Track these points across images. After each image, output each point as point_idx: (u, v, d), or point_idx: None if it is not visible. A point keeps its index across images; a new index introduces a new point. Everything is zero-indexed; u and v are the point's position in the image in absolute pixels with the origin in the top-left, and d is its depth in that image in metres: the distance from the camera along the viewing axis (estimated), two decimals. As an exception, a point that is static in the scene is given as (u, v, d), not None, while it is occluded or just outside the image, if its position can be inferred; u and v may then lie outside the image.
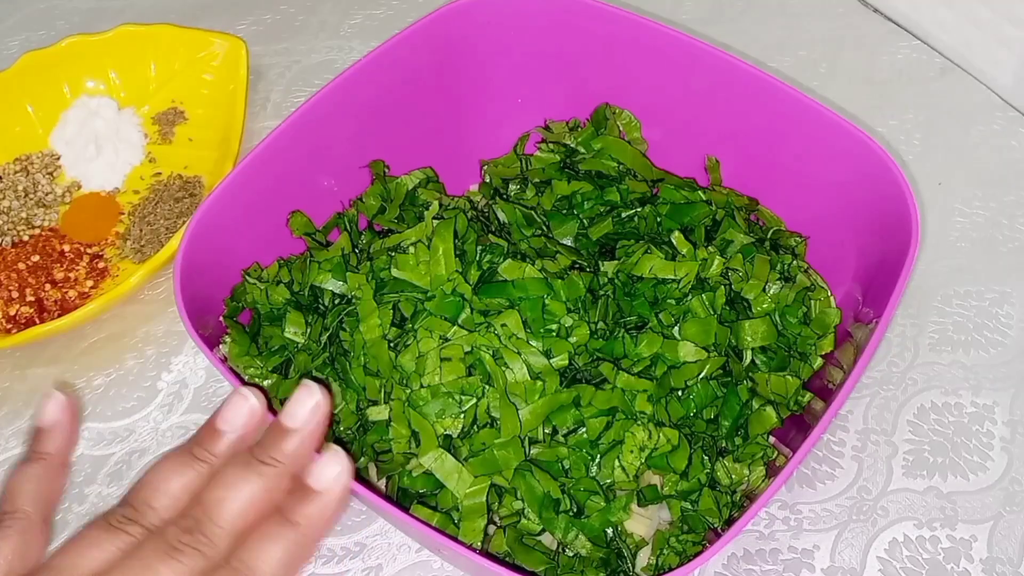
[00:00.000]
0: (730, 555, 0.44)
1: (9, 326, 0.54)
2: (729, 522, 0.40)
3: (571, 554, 0.40)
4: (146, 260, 0.54)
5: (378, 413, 0.41)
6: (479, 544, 0.39)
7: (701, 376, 0.41)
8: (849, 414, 0.48)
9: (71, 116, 0.62)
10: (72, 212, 0.60)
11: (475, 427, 0.40)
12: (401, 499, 0.41)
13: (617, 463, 0.40)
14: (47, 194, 0.60)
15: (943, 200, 0.56)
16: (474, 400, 0.40)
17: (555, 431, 0.41)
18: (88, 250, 0.57)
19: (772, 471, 0.41)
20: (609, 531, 0.40)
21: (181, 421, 0.50)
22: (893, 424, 0.48)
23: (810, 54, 0.63)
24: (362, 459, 0.42)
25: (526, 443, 0.40)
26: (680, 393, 0.42)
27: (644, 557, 0.41)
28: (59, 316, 0.52)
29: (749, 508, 0.36)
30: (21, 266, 0.56)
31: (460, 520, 0.39)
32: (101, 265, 0.57)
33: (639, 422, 0.40)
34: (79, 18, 0.71)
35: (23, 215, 0.59)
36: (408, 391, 0.40)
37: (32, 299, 0.54)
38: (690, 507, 0.41)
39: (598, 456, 0.40)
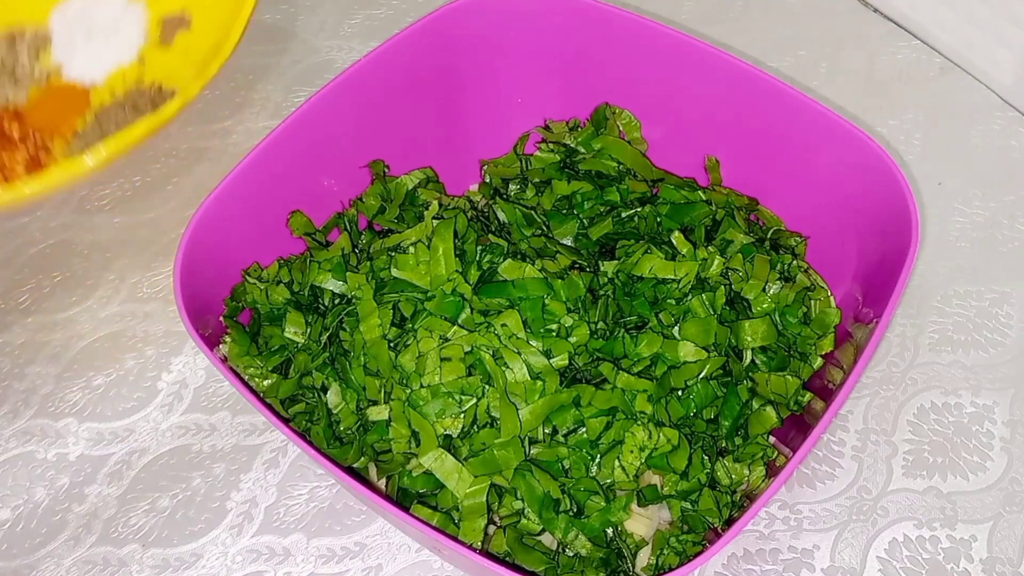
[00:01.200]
0: (730, 555, 0.44)
1: None
2: (729, 522, 0.40)
3: (571, 554, 0.40)
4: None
5: (378, 413, 0.41)
6: (479, 544, 0.38)
7: (701, 376, 0.41)
8: (849, 414, 0.48)
9: None
10: (39, 97, 0.54)
11: (475, 427, 0.40)
12: (401, 499, 0.41)
13: (617, 463, 0.40)
14: (24, 72, 0.55)
15: (943, 200, 0.56)
16: (474, 400, 0.40)
17: (555, 431, 0.41)
18: (37, 139, 0.52)
19: (772, 471, 0.41)
20: (609, 531, 0.40)
21: (181, 421, 0.50)
22: (893, 424, 0.48)
23: (810, 54, 0.63)
24: (362, 459, 0.42)
25: (526, 443, 0.40)
26: (680, 393, 0.42)
27: (644, 557, 0.41)
28: None
29: (749, 508, 0.36)
30: None
31: (460, 520, 0.39)
32: (44, 158, 0.51)
33: (639, 422, 0.40)
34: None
35: None
36: (408, 391, 0.40)
37: None
38: (690, 507, 0.41)
39: (598, 456, 0.40)
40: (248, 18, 0.52)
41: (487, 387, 0.40)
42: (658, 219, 0.47)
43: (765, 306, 0.44)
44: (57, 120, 0.52)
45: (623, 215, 0.47)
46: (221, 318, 0.45)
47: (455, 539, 0.36)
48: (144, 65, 0.56)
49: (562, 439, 0.40)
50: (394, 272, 0.42)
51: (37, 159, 0.50)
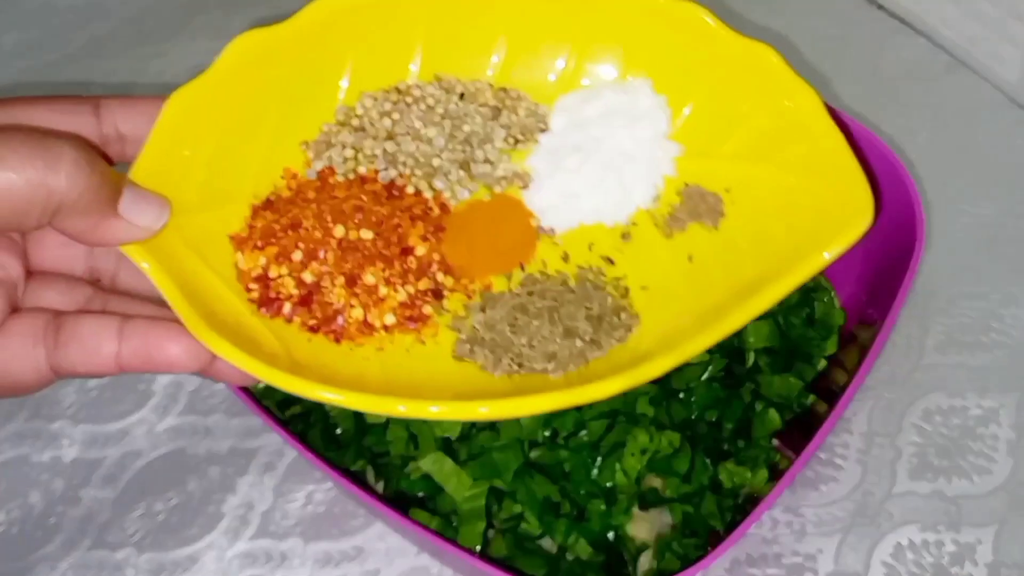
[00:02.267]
0: (733, 559, 0.44)
1: (251, 288, 0.32)
2: (731, 526, 0.40)
3: (571, 558, 0.40)
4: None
5: (376, 416, 0.40)
6: (478, 548, 0.38)
7: (703, 378, 0.41)
8: (853, 416, 0.48)
9: (578, 96, 0.38)
10: (474, 212, 0.36)
11: (474, 430, 0.40)
12: (399, 502, 0.40)
13: (618, 466, 0.40)
14: (478, 159, 0.37)
15: (949, 199, 0.55)
16: (473, 402, 0.39)
17: (555, 434, 0.40)
18: (441, 275, 0.34)
19: (775, 474, 0.41)
20: (610, 535, 0.40)
21: (176, 424, 0.50)
22: (898, 426, 0.47)
23: (814, 52, 0.63)
24: (360, 462, 0.42)
25: (526, 446, 0.40)
26: (682, 395, 0.41)
27: (645, 561, 0.40)
28: (317, 330, 0.32)
29: (752, 512, 0.35)
30: (339, 231, 0.33)
31: (459, 524, 0.39)
32: (425, 309, 0.33)
33: (640, 425, 0.40)
34: (74, 15, 0.70)
35: (419, 159, 0.36)
36: (406, 393, 0.40)
37: (308, 280, 0.32)
38: (692, 510, 0.40)
39: (599, 459, 0.40)
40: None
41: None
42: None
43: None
44: (479, 259, 0.35)
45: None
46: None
47: (454, 543, 0.36)
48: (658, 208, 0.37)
49: (562, 442, 0.40)
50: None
51: (416, 305, 0.33)
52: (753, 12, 0.65)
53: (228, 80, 0.33)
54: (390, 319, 0.32)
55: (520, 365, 0.32)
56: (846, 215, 0.32)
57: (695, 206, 0.36)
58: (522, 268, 0.35)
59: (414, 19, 0.37)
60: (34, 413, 0.50)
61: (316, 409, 0.43)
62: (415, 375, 0.31)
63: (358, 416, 0.42)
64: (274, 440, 0.49)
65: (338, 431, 0.42)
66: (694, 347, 0.30)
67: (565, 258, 0.36)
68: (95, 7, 0.70)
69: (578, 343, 0.32)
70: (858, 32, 0.64)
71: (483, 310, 0.34)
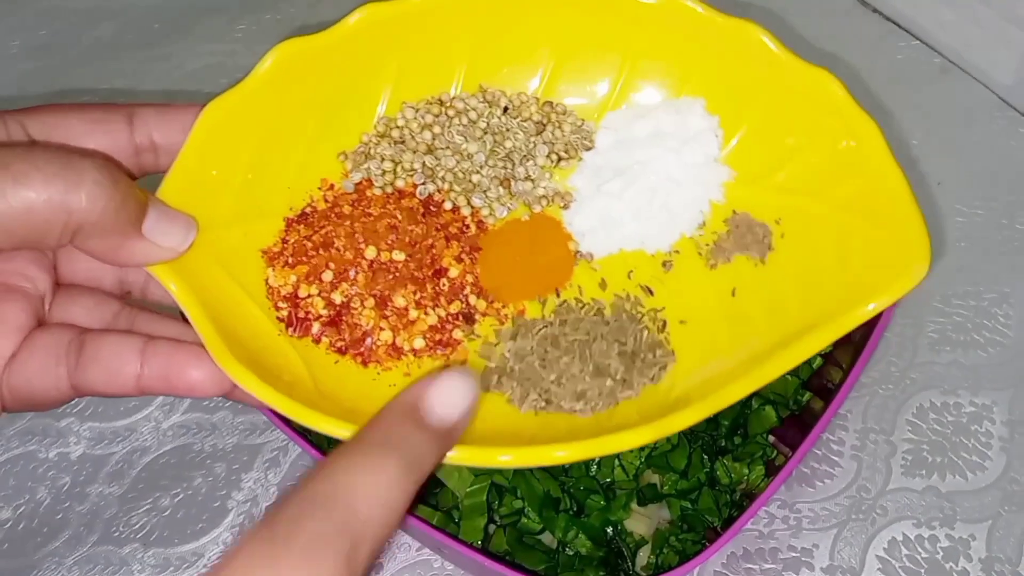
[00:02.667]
0: (729, 554, 0.44)
1: (280, 307, 0.32)
2: (728, 521, 0.40)
3: (571, 553, 0.40)
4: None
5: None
6: (479, 543, 0.39)
7: (701, 376, 0.41)
8: (848, 413, 0.48)
9: (627, 114, 0.37)
10: (511, 232, 0.35)
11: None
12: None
13: (617, 462, 0.40)
14: (519, 176, 0.36)
15: (942, 200, 0.56)
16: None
17: (555, 430, 0.40)
18: (473, 297, 0.33)
19: (771, 470, 0.42)
20: (609, 530, 0.40)
21: (182, 420, 0.50)
22: (892, 423, 0.48)
23: (808, 54, 0.63)
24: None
25: (526, 442, 0.40)
26: (680, 392, 0.42)
27: (644, 556, 0.41)
28: (345, 351, 0.31)
29: (749, 507, 0.36)
30: (371, 252, 0.32)
31: (460, 519, 0.39)
32: (455, 334, 0.33)
33: (639, 421, 0.40)
34: (79, 18, 0.70)
35: (450, 175, 0.35)
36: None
37: (338, 300, 0.32)
38: (690, 506, 0.41)
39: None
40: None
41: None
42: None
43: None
44: (515, 283, 0.34)
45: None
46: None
47: (455, 538, 0.36)
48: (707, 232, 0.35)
49: (562, 438, 0.40)
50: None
51: (445, 329, 0.33)
52: (749, 15, 0.65)
53: (266, 89, 0.32)
54: (419, 343, 0.32)
55: (547, 402, 0.31)
56: (901, 263, 0.29)
57: (742, 236, 0.34)
58: (557, 294, 0.34)
59: (460, 28, 0.35)
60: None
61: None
62: None
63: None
64: (278, 437, 0.49)
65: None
66: (729, 396, 0.28)
67: (602, 285, 0.34)
68: (101, 10, 0.71)
69: (608, 382, 0.31)
70: (852, 35, 0.64)
71: (514, 338, 0.32)
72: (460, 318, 0.33)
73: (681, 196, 0.35)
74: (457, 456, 0.26)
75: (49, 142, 0.28)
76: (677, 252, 0.34)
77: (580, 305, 0.33)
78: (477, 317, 0.33)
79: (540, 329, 0.32)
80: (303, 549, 0.21)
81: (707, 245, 0.34)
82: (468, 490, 0.39)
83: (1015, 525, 0.45)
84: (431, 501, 0.40)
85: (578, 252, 0.35)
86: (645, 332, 0.32)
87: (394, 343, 0.32)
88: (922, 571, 0.44)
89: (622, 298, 0.34)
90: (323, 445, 0.42)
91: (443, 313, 0.32)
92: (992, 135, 0.58)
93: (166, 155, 0.30)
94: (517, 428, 0.30)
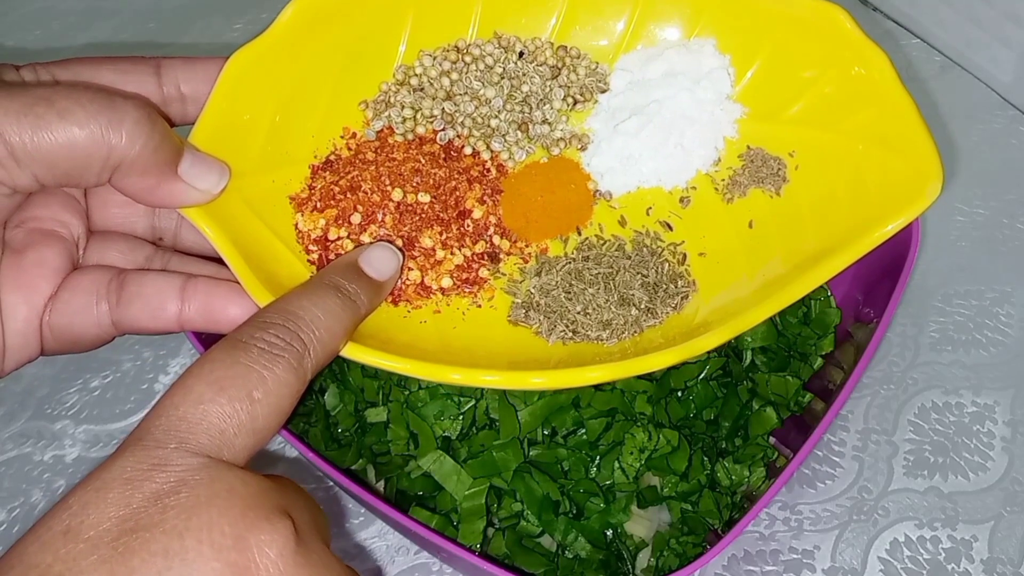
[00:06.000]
0: (730, 556, 0.44)
1: (311, 250, 0.33)
2: (729, 523, 0.40)
3: (571, 556, 0.40)
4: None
5: (376, 415, 0.41)
6: (478, 546, 0.38)
7: (701, 377, 0.41)
8: (849, 414, 0.48)
9: (640, 55, 0.38)
10: (531, 174, 0.36)
11: (474, 429, 0.40)
12: (399, 501, 0.40)
13: (617, 464, 0.40)
14: (536, 120, 0.36)
15: (943, 199, 0.55)
16: (473, 401, 0.39)
17: (554, 432, 0.40)
18: (497, 238, 0.34)
19: (772, 472, 0.41)
20: (609, 533, 0.40)
21: (178, 423, 0.50)
22: (894, 424, 0.48)
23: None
24: (360, 461, 0.42)
25: (525, 445, 0.40)
26: (680, 394, 0.41)
27: (644, 559, 0.41)
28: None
29: (749, 509, 0.36)
30: (397, 194, 0.33)
31: (459, 522, 0.39)
32: (481, 272, 0.34)
33: (639, 423, 0.40)
34: (75, 18, 0.70)
35: (477, 119, 0.36)
36: (406, 392, 0.40)
37: (367, 241, 0.33)
38: (690, 508, 0.41)
39: (597, 457, 0.40)
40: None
41: (486, 389, 0.39)
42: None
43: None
44: (536, 222, 0.35)
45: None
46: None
47: (454, 541, 0.36)
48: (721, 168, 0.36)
49: (561, 440, 0.40)
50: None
51: (471, 267, 0.34)
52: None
53: (287, 40, 0.32)
54: (447, 282, 0.33)
55: (575, 332, 0.32)
56: (916, 184, 0.30)
57: (757, 170, 0.35)
58: (578, 232, 0.35)
59: None
60: (37, 413, 0.50)
61: (317, 408, 0.43)
62: (470, 340, 0.31)
63: (358, 415, 0.42)
64: (275, 439, 0.49)
65: (339, 430, 0.42)
66: (751, 318, 0.29)
67: (622, 222, 0.35)
68: (95, 11, 0.71)
69: (633, 311, 0.32)
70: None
71: (539, 274, 0.33)
72: (485, 257, 0.34)
73: (696, 134, 0.36)
74: (494, 380, 0.28)
75: (92, 82, 0.29)
76: (694, 188, 0.35)
77: (601, 242, 0.34)
78: (502, 256, 0.34)
79: (564, 265, 0.33)
80: (261, 351, 0.25)
81: (723, 180, 0.35)
82: (467, 493, 0.39)
83: (1017, 526, 0.44)
84: (430, 504, 0.40)
85: (597, 191, 0.36)
86: (666, 264, 0.33)
87: (422, 282, 0.33)
88: (924, 572, 0.43)
89: (642, 234, 0.35)
90: (319, 447, 0.42)
91: (468, 253, 0.34)
92: (992, 134, 0.58)
93: (193, 105, 0.31)
94: (546, 358, 0.31)
